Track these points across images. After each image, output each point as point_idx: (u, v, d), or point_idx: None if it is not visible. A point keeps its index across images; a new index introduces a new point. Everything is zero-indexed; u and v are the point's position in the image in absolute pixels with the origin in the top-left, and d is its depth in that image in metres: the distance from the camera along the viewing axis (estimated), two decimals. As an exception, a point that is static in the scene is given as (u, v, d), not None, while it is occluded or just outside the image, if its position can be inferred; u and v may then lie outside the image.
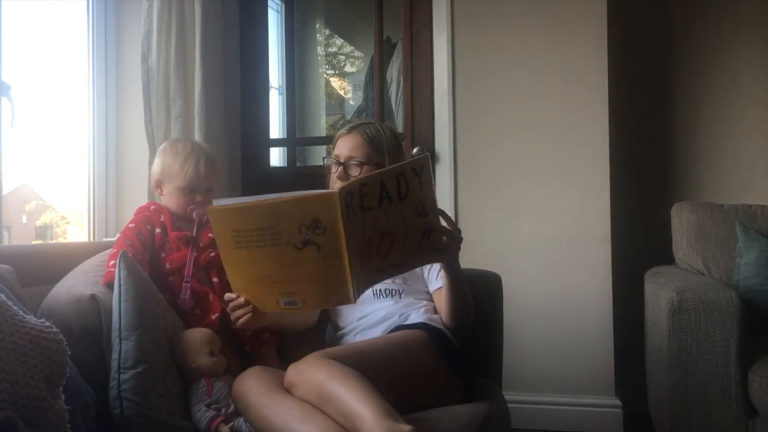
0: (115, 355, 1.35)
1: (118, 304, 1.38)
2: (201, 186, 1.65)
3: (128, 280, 1.40)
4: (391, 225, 1.30)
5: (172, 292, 1.57)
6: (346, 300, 1.27)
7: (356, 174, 1.67)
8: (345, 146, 1.72)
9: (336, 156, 1.73)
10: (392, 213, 1.29)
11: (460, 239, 1.46)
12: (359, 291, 1.28)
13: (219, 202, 1.31)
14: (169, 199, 1.68)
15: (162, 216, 1.66)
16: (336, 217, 1.20)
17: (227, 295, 1.45)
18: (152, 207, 1.68)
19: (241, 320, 1.43)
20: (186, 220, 1.66)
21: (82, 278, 1.53)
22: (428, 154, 1.39)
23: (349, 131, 1.74)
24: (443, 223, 1.41)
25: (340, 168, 1.70)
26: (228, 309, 1.45)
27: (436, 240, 1.39)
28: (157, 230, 1.63)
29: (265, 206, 1.26)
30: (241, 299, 1.41)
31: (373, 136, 1.72)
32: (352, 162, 1.69)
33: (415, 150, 2.67)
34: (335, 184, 1.69)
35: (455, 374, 1.54)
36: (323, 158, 1.83)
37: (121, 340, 1.35)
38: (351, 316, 1.72)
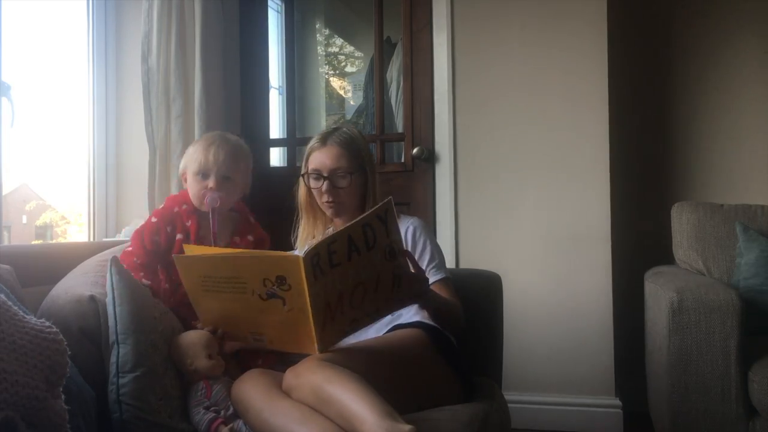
0: (113, 359, 1.34)
1: (112, 309, 1.37)
2: (212, 171, 1.61)
3: (120, 285, 1.39)
4: (361, 276, 1.31)
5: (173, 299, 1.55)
6: (311, 351, 1.33)
7: (345, 184, 1.65)
8: (325, 159, 1.66)
9: (316, 170, 1.67)
10: (362, 264, 1.30)
11: (426, 279, 1.48)
12: (327, 345, 1.34)
13: (188, 251, 1.41)
14: (189, 187, 1.65)
15: (189, 221, 1.62)
16: (300, 279, 1.22)
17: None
18: (184, 206, 1.64)
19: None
20: (208, 226, 1.62)
21: (81, 279, 1.54)
22: (391, 198, 1.36)
23: (323, 143, 1.68)
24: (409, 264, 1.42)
25: (326, 181, 1.65)
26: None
27: (407, 289, 1.41)
28: (178, 236, 1.60)
29: (229, 259, 1.32)
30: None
31: (348, 142, 1.67)
32: (338, 173, 1.65)
33: (415, 150, 2.67)
34: (322, 198, 1.67)
35: (455, 373, 1.54)
36: (302, 175, 1.72)
37: (118, 344, 1.35)
38: None
